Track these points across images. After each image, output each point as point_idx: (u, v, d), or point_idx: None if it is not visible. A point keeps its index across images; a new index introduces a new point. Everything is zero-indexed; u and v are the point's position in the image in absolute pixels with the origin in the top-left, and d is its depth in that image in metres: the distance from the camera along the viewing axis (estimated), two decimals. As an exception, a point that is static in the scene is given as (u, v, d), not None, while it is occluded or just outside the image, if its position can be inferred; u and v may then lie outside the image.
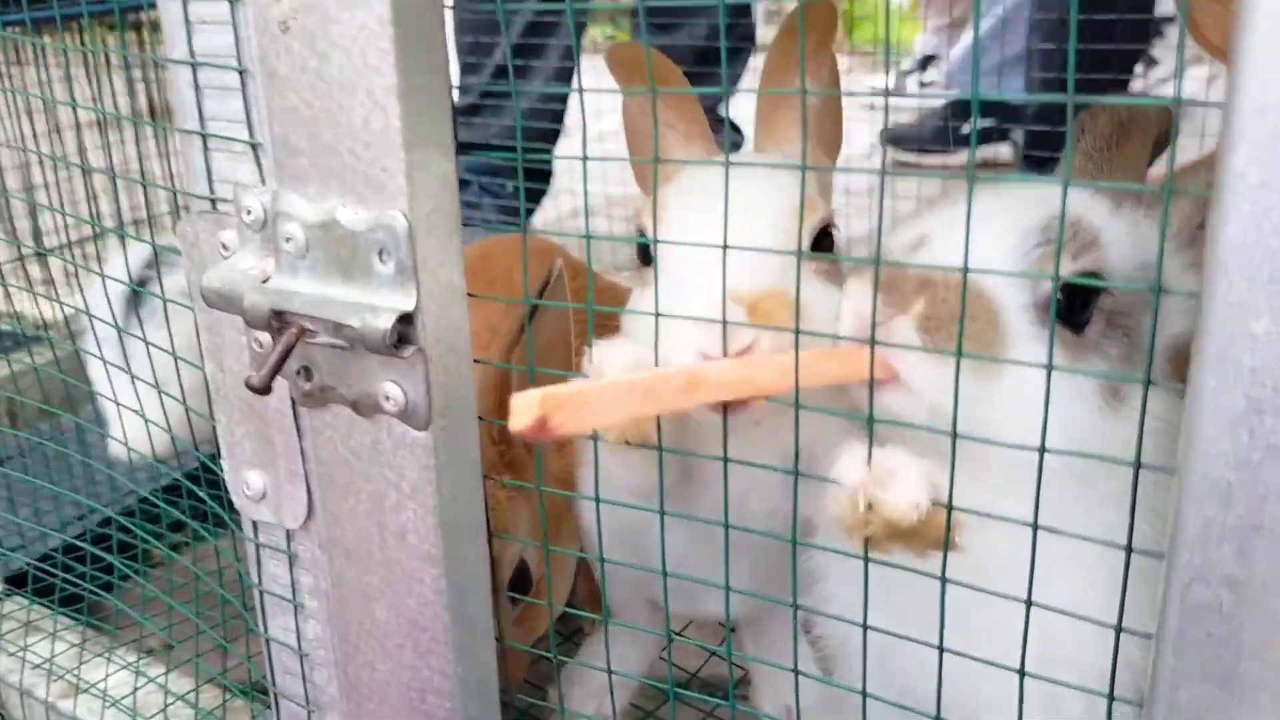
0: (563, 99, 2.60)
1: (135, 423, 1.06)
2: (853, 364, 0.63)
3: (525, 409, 0.58)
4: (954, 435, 0.57)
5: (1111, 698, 0.56)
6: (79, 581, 1.17)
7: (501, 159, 2.63)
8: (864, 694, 0.69)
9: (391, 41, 0.60)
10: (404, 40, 0.60)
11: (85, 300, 1.17)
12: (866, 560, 0.63)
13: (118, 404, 1.06)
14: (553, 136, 2.58)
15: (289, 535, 0.80)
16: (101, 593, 1.14)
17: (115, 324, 1.07)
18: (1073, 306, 0.65)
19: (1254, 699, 0.48)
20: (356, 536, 0.75)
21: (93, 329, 1.15)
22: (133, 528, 1.12)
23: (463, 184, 2.74)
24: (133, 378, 1.04)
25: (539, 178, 2.65)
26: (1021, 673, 0.59)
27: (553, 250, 1.52)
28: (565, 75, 2.66)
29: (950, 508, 0.59)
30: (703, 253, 0.68)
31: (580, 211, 2.89)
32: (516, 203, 2.62)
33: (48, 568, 1.24)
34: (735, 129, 3.00)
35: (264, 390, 0.66)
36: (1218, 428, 0.45)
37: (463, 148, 2.64)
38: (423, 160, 0.64)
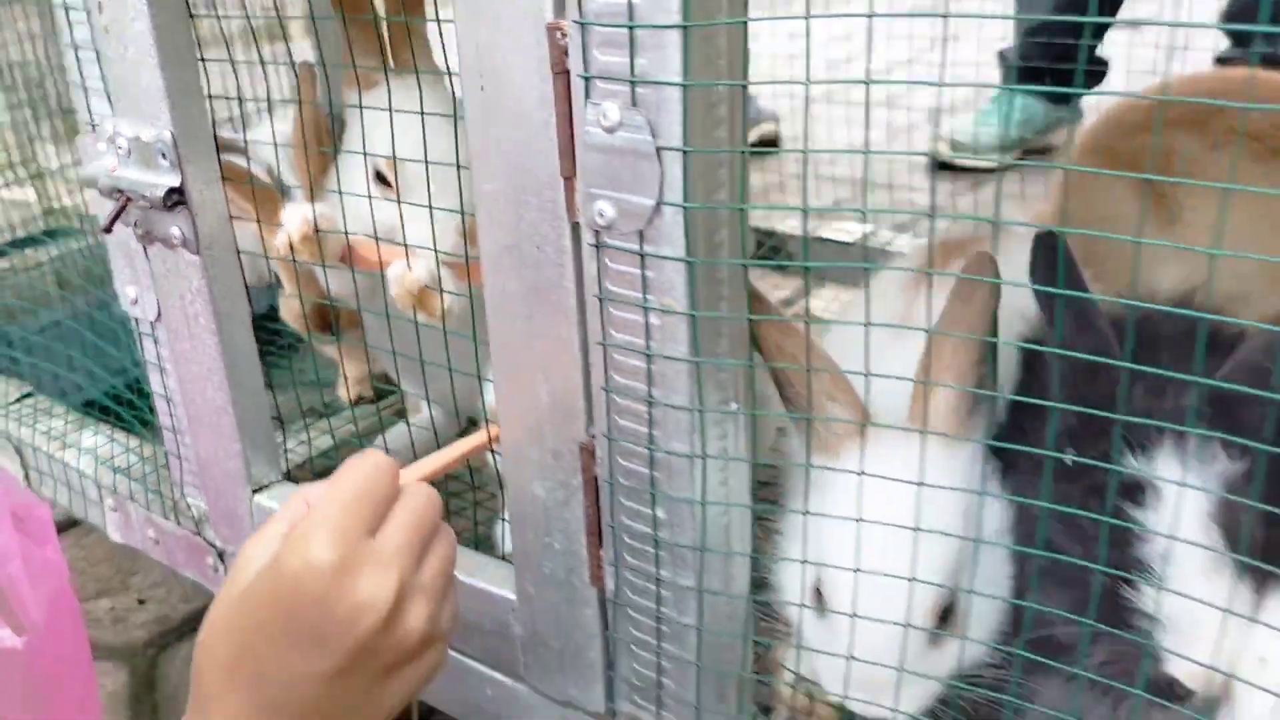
0: None
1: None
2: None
3: None
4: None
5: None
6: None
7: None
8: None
9: (153, 36, 1.12)
10: (162, 32, 1.12)
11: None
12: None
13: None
14: None
15: (153, 325, 1.35)
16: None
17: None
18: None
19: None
20: (178, 321, 1.29)
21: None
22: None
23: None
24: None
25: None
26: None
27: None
28: None
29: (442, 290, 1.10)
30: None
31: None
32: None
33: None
34: None
35: (107, 230, 1.21)
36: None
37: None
38: (181, 104, 1.15)
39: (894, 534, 0.88)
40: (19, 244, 2.46)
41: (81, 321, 1.93)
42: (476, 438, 1.09)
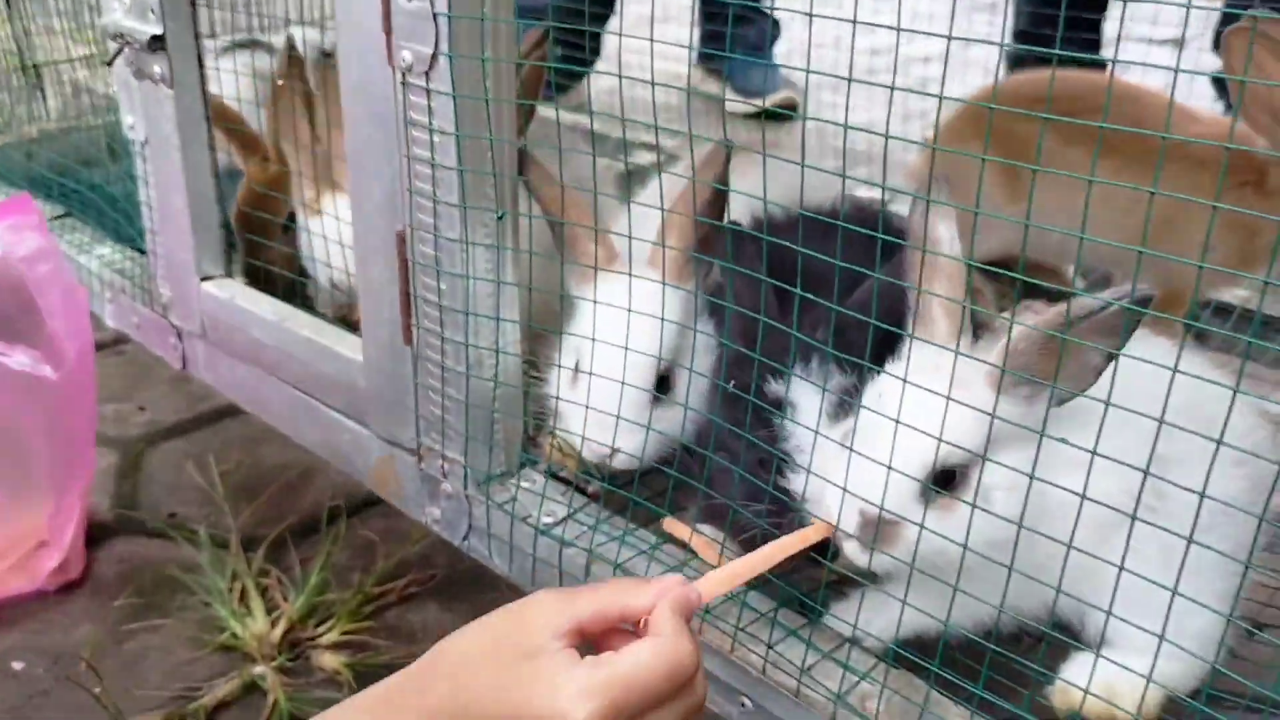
0: None
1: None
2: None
3: None
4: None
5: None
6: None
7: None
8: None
9: (148, -78, 1.54)
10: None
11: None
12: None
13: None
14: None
15: (142, 145, 1.78)
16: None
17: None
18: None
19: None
20: (156, 141, 1.72)
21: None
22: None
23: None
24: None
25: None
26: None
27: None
28: None
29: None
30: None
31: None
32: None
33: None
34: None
35: (109, 64, 1.64)
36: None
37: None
38: (167, -27, 1.58)
39: (627, 324, 1.27)
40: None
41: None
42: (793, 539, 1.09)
